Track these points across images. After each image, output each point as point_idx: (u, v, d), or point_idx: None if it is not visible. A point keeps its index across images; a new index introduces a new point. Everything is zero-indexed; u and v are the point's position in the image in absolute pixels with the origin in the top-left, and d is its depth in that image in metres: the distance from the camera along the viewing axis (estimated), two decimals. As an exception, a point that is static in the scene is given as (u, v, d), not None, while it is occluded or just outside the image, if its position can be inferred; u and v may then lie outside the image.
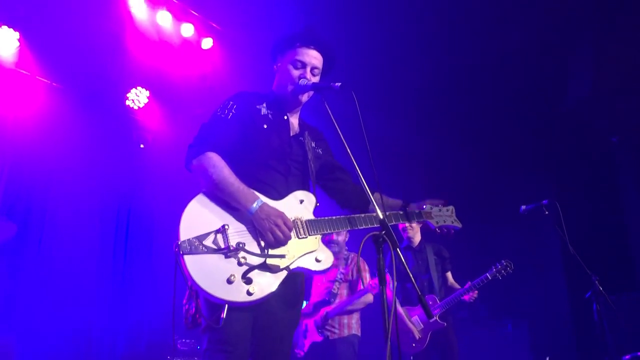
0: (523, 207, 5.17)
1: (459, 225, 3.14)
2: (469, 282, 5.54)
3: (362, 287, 5.51)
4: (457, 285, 5.84)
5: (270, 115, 2.99)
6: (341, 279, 5.51)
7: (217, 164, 2.69)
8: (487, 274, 5.50)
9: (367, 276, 5.65)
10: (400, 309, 5.58)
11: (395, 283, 5.48)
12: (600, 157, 8.05)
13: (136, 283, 7.20)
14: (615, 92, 7.10)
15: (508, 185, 7.94)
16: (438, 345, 5.57)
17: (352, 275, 5.59)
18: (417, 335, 5.48)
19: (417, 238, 5.99)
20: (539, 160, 8.18)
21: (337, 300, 5.47)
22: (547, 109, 7.69)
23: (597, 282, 4.78)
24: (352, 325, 5.45)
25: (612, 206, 7.96)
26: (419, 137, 8.28)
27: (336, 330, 5.38)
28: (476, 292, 5.53)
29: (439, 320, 5.48)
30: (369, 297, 5.41)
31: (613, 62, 6.94)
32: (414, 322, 5.53)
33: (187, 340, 6.20)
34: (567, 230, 4.82)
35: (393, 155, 7.61)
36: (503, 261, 5.52)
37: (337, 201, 3.28)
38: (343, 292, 5.57)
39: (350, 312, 5.46)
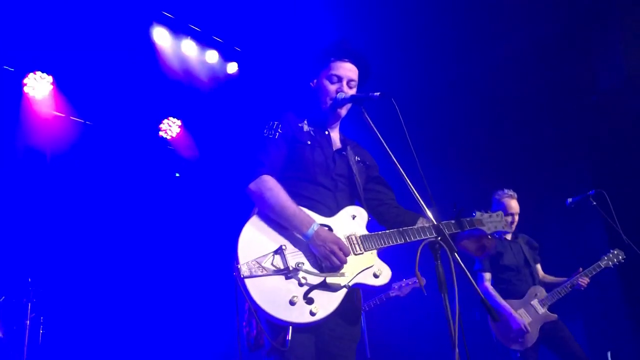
0: (569, 199, 5.05)
1: (509, 229, 3.06)
2: (581, 268, 5.15)
3: None
4: (549, 278, 5.43)
5: (312, 132, 3.01)
6: None
7: (274, 188, 2.70)
8: (599, 262, 5.13)
9: None
10: (503, 302, 5.11)
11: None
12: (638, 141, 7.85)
13: (194, 314, 7.22)
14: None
15: (548, 180, 7.79)
16: (550, 339, 5.12)
17: None
18: (525, 330, 4.98)
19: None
20: (577, 151, 8.00)
21: None
22: (580, 98, 7.54)
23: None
24: None
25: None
26: (453, 135, 8.18)
27: None
28: (587, 279, 5.12)
29: (549, 313, 5.08)
30: None
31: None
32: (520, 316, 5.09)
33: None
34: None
35: (433, 155, 7.52)
36: (612, 250, 5.16)
37: (375, 215, 3.14)
38: None
39: None
